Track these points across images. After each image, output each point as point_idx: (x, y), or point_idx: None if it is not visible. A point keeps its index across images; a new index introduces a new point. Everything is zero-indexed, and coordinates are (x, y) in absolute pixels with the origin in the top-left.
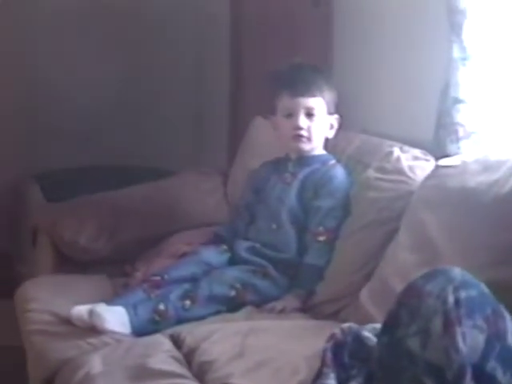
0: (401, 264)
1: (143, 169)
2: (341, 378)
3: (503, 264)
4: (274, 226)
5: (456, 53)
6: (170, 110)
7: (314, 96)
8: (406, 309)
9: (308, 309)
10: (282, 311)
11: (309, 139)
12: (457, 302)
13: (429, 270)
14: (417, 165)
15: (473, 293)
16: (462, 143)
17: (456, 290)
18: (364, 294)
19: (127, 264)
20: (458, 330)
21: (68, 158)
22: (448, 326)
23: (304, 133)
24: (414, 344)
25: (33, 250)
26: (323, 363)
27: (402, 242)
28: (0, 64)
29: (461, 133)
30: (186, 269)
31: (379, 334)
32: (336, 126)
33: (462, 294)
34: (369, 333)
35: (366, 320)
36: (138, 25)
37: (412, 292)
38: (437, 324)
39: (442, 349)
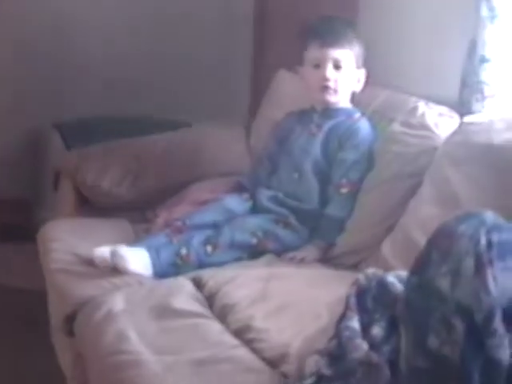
0: (423, 217)
1: (165, 120)
2: (364, 322)
3: None
4: (296, 176)
5: (484, 11)
6: (193, 61)
7: (342, 48)
8: (437, 249)
9: (328, 260)
10: (302, 261)
11: (335, 91)
12: (489, 243)
13: (462, 211)
14: (442, 121)
15: (505, 236)
16: (486, 102)
17: (488, 232)
18: (385, 246)
19: (149, 210)
20: (489, 272)
21: (87, 108)
22: (479, 267)
23: (331, 84)
24: (444, 284)
25: (54, 195)
26: (347, 307)
27: (425, 196)
28: (26, 8)
29: (486, 92)
30: (209, 215)
31: (408, 275)
32: (363, 80)
33: (495, 237)
34: (393, 278)
35: (386, 271)
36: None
37: (444, 233)
38: (468, 265)
39: (472, 290)
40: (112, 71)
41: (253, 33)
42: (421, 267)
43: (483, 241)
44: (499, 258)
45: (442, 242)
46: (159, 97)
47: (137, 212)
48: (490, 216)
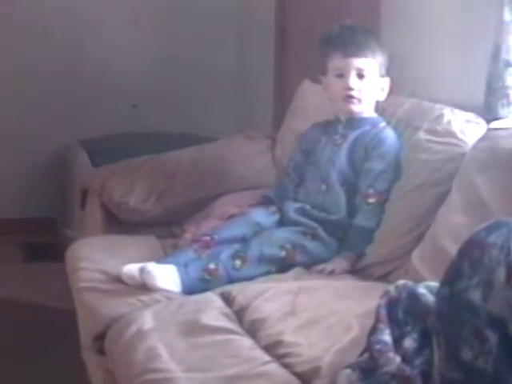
0: (453, 226)
1: (189, 135)
2: (395, 335)
3: None
4: (324, 188)
5: (507, 15)
6: (215, 75)
7: (365, 57)
8: (468, 260)
9: (357, 271)
10: (331, 273)
11: (359, 100)
12: None
13: (492, 220)
14: (468, 127)
15: None
16: None
17: None
18: (415, 256)
19: (176, 225)
20: None
21: (113, 126)
22: (511, 277)
23: (355, 94)
24: (475, 296)
25: (81, 213)
26: (377, 319)
27: (453, 204)
28: (52, 32)
29: None
30: (236, 229)
31: (439, 287)
32: (387, 89)
33: None
34: (424, 290)
35: (417, 282)
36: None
37: (474, 244)
38: (500, 275)
39: (505, 301)
40: (137, 89)
41: (274, 44)
42: (451, 279)
43: None
44: None
45: (472, 252)
46: (184, 112)
47: (164, 228)
48: None
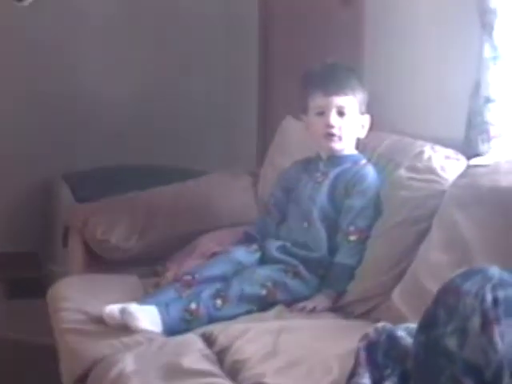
0: (433, 263)
1: (172, 169)
2: (375, 378)
3: None
4: (306, 225)
5: (487, 52)
6: (199, 110)
7: (346, 95)
8: (443, 307)
9: (339, 308)
10: (312, 311)
11: (340, 138)
12: (495, 300)
13: (466, 268)
14: (448, 164)
15: (511, 292)
16: (493, 143)
17: (494, 288)
18: (396, 294)
19: (158, 264)
20: (497, 329)
21: (97, 158)
22: (486, 324)
23: (335, 131)
24: (451, 343)
25: (64, 249)
26: (357, 362)
27: (434, 242)
28: (38, 60)
29: (492, 132)
30: (217, 268)
31: (416, 333)
32: (367, 125)
33: (501, 293)
34: (403, 332)
35: (397, 320)
36: (166, 24)
37: (449, 291)
38: (475, 323)
39: (480, 348)
40: (121, 121)
41: (258, 81)
42: (428, 325)
43: (489, 298)
44: (506, 314)
45: (447, 299)
46: (168, 146)
47: (147, 265)
48: (495, 271)
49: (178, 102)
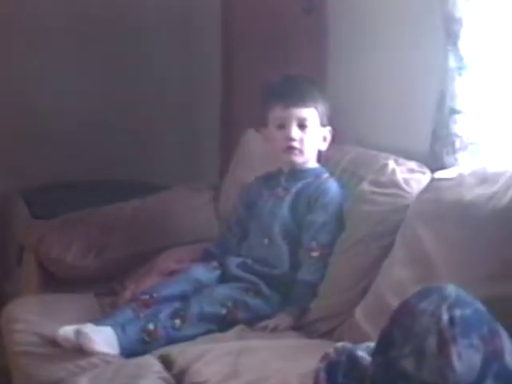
0: (396, 280)
1: (132, 184)
2: None
3: (500, 279)
4: (266, 241)
5: (452, 62)
6: (160, 122)
7: (307, 106)
8: (399, 328)
9: (302, 327)
10: (274, 329)
11: (301, 151)
12: (451, 320)
13: (422, 287)
14: (412, 177)
15: (468, 311)
16: (458, 155)
17: (450, 308)
18: (359, 312)
19: (116, 282)
20: (454, 350)
21: (55, 173)
22: (443, 345)
23: (296, 144)
24: (408, 364)
25: (19, 268)
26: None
27: (397, 257)
28: None
29: (457, 144)
30: (176, 287)
31: (373, 354)
32: (329, 138)
33: (457, 313)
34: (363, 352)
35: (361, 338)
36: (125, 37)
37: (405, 311)
38: (431, 344)
39: (438, 369)
40: (80, 135)
41: (221, 93)
42: (384, 347)
43: (445, 318)
44: (463, 334)
45: (403, 320)
46: (128, 160)
47: (104, 284)
48: (451, 290)
49: (138, 115)
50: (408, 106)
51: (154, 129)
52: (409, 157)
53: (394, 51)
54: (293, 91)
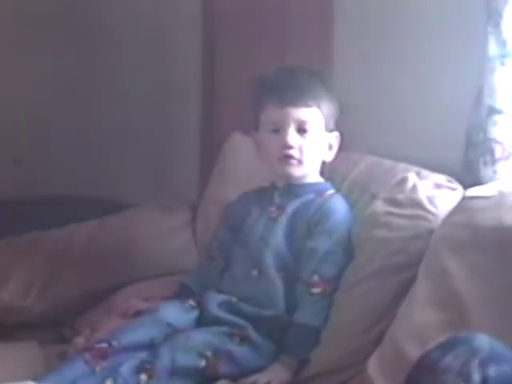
0: (418, 325)
1: (91, 200)
2: None
3: None
4: (255, 274)
5: (493, 48)
6: (125, 125)
7: (307, 106)
8: None
9: (300, 383)
10: None
11: (300, 162)
12: (484, 380)
13: (448, 336)
14: (439, 195)
15: (505, 367)
16: (498, 166)
17: (483, 364)
18: (372, 364)
19: (65, 326)
20: None
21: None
22: None
23: (294, 153)
24: None
25: None
26: None
27: (419, 296)
28: None
29: (498, 152)
30: (142, 332)
31: None
32: (336, 146)
33: (491, 370)
34: None
35: None
36: (96, 37)
37: (425, 367)
38: None
39: None
40: (22, 138)
41: (202, 93)
42: None
43: (476, 377)
44: None
45: (422, 378)
46: (88, 172)
47: (51, 329)
48: (483, 342)
49: (102, 117)
50: (435, 104)
51: (118, 133)
52: (435, 168)
53: (417, 37)
54: (290, 87)
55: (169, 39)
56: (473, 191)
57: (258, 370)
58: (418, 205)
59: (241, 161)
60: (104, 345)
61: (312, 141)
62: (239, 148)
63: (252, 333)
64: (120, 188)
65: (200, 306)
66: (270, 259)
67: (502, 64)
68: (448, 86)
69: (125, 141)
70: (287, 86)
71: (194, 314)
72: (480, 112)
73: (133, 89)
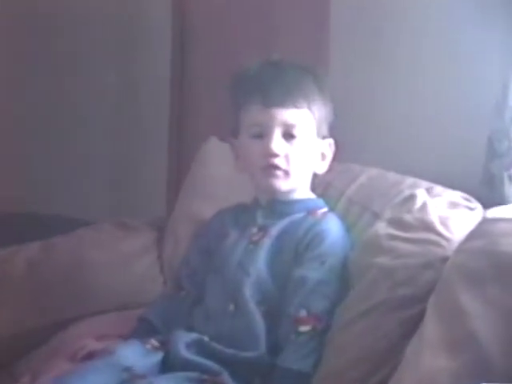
0: (428, 371)
1: (38, 217)
2: None
3: None
4: (232, 308)
5: None
6: (83, 129)
7: (296, 107)
8: None
9: None
10: None
11: (286, 173)
12: None
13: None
14: (454, 216)
15: None
16: None
17: None
18: None
19: (2, 372)
20: None
21: None
22: None
23: (280, 162)
24: None
25: None
26: None
27: (429, 337)
28: None
29: None
30: (94, 380)
31: None
32: (330, 155)
33: None
34: None
35: None
36: (59, 43)
37: None
38: None
39: None
40: None
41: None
42: None
43: None
44: None
45: None
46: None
47: None
48: None
49: (55, 119)
50: (449, 107)
51: (74, 139)
52: (449, 184)
53: (432, 27)
54: (276, 84)
55: (139, 32)
56: (494, 212)
57: None
58: (428, 227)
59: (217, 172)
60: None
61: (301, 148)
62: (215, 156)
63: (227, 379)
64: (76, 204)
65: (165, 346)
66: (249, 291)
67: None
68: (466, 86)
69: (82, 150)
70: (272, 82)
71: (158, 356)
72: (504, 116)
73: (93, 89)
